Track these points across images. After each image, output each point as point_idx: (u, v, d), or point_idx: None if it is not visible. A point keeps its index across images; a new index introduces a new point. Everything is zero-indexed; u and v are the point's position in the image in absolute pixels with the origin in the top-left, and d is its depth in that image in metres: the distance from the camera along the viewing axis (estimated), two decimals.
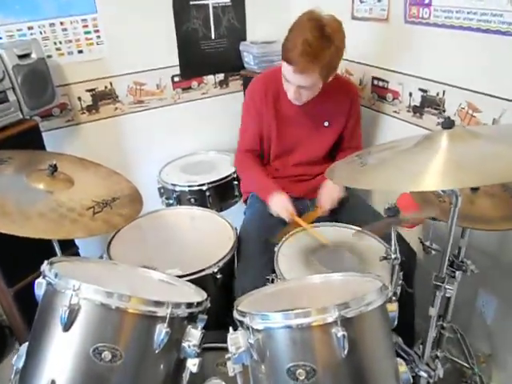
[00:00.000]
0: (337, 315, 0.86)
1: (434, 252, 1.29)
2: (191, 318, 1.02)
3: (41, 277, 1.00)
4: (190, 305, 1.00)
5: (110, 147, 2.10)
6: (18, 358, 0.99)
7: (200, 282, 1.42)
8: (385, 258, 1.20)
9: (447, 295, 1.08)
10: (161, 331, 0.92)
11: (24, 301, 1.76)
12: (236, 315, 1.01)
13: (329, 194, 1.68)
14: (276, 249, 1.54)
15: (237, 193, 2.11)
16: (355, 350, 0.88)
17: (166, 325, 0.92)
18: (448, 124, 0.93)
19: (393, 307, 0.98)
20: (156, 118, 2.18)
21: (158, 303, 0.93)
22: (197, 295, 1.16)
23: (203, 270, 1.44)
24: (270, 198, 1.68)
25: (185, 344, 0.98)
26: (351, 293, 1.10)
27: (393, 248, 1.18)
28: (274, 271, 1.48)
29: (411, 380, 1.01)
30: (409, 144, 1.00)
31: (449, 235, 1.05)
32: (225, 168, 2.12)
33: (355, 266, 1.43)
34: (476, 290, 1.72)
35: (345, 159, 1.14)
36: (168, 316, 0.93)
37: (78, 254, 1.93)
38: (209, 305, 1.12)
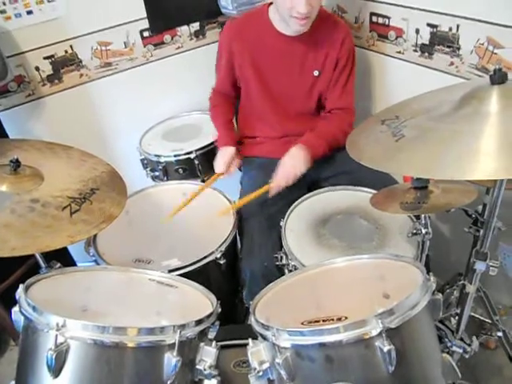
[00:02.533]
0: (381, 328, 0.72)
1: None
2: (203, 334, 0.88)
3: (16, 306, 0.83)
4: (199, 321, 0.85)
5: (80, 121, 1.85)
6: None
7: (202, 271, 1.28)
8: (414, 234, 1.05)
9: (491, 273, 0.95)
10: (170, 361, 0.78)
11: (11, 300, 1.60)
12: (255, 325, 0.87)
13: (286, 169, 1.44)
14: (282, 223, 1.39)
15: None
16: (403, 361, 0.75)
17: (175, 353, 0.77)
18: (500, 77, 0.74)
19: (438, 297, 0.84)
20: (128, 80, 1.92)
21: (163, 330, 0.78)
22: (203, 299, 1.00)
23: (204, 257, 1.29)
24: (218, 152, 1.61)
25: (200, 367, 0.84)
26: (384, 282, 0.97)
27: (423, 221, 1.03)
28: (282, 247, 1.33)
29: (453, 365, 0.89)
30: (447, 102, 0.81)
31: (493, 206, 0.90)
32: (211, 130, 1.89)
33: (372, 236, 1.29)
34: (496, 243, 1.61)
35: (366, 125, 0.94)
36: (177, 342, 0.78)
37: (67, 253, 1.75)
38: (219, 309, 0.98)
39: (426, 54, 1.54)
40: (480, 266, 0.96)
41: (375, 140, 0.83)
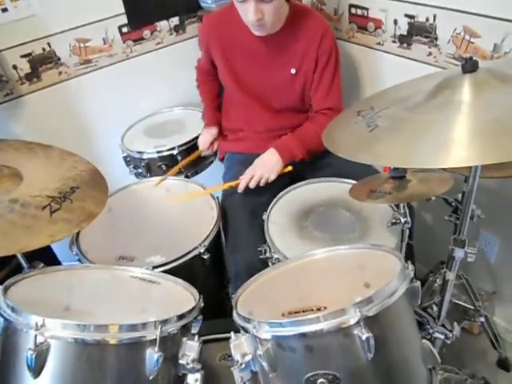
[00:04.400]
0: (359, 316, 0.73)
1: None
2: (185, 328, 0.88)
3: None
4: (181, 316, 0.85)
5: (60, 119, 1.83)
6: None
7: (186, 267, 1.28)
8: (394, 224, 1.06)
9: (469, 259, 0.96)
10: (152, 356, 0.77)
11: None
12: (237, 319, 0.87)
13: (256, 172, 1.46)
14: (265, 216, 1.39)
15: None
16: (382, 348, 0.76)
17: (156, 348, 0.78)
18: (471, 66, 0.75)
19: (416, 285, 0.85)
20: (108, 77, 1.90)
21: (144, 326, 0.78)
22: (186, 294, 1.01)
23: (188, 253, 1.29)
24: (203, 130, 1.77)
25: (183, 361, 0.84)
26: (364, 271, 0.98)
27: (402, 211, 1.04)
28: (265, 241, 1.34)
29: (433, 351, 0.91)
30: (421, 92, 0.81)
31: (469, 194, 0.91)
32: (194, 126, 1.89)
33: (354, 226, 1.30)
34: (477, 230, 1.63)
35: (343, 117, 0.95)
36: (158, 338, 0.78)
37: (51, 253, 1.73)
38: (202, 304, 0.98)
39: (405, 44, 1.55)
40: (458, 254, 0.98)
41: (351, 132, 0.83)
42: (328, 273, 1.01)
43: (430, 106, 0.77)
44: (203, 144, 1.74)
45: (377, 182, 1.09)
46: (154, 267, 1.21)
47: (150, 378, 0.79)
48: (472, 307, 1.59)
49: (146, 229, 1.42)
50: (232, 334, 0.87)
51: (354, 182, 1.41)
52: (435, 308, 1.20)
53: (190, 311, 0.88)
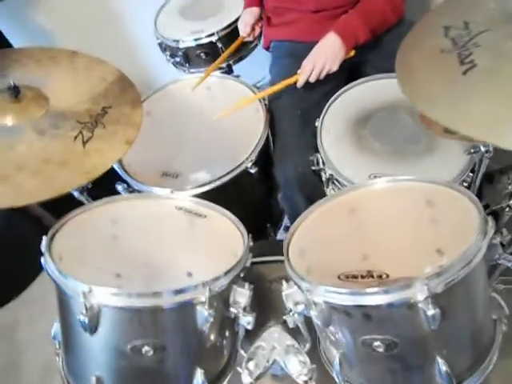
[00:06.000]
0: (426, 294, 0.65)
1: None
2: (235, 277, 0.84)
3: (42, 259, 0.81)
4: (229, 271, 0.80)
5: (83, 3, 1.62)
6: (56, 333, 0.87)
7: (232, 183, 1.21)
8: (472, 153, 0.90)
9: None
10: (202, 314, 0.75)
11: None
12: (289, 270, 0.82)
13: (317, 61, 1.24)
14: (318, 123, 1.24)
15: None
16: (448, 319, 0.69)
17: (207, 306, 0.75)
18: None
19: (495, 243, 0.74)
20: None
21: (193, 288, 0.74)
22: (234, 231, 0.95)
23: (235, 168, 1.20)
24: (242, 13, 1.55)
25: (233, 309, 0.83)
26: (433, 210, 0.86)
27: None
28: (317, 149, 1.22)
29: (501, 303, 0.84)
30: None
31: None
32: (234, 3, 1.64)
33: (419, 136, 1.14)
34: None
35: (423, 31, 0.70)
36: (207, 300, 0.74)
37: None
38: (251, 243, 0.93)
39: None
40: None
41: (435, 68, 0.60)
42: (390, 210, 0.90)
43: None
44: (244, 28, 1.52)
45: None
46: (199, 186, 1.15)
47: (203, 329, 0.78)
48: None
49: (188, 137, 1.33)
50: (284, 282, 0.83)
51: None
52: (505, 232, 1.09)
53: (238, 263, 0.83)
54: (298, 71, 1.27)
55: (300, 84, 1.27)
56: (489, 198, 1.30)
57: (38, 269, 0.81)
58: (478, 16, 0.62)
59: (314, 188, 1.25)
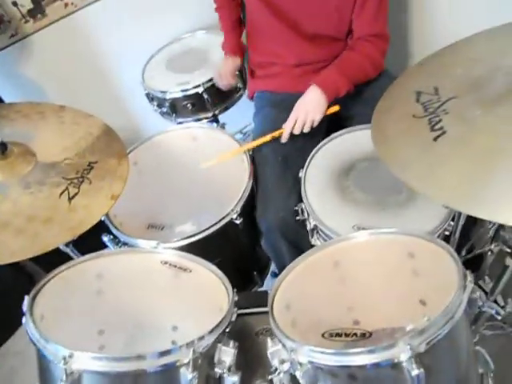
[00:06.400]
0: (409, 354, 0.65)
1: None
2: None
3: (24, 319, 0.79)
4: (214, 329, 0.80)
5: (73, 57, 1.67)
6: None
7: (218, 234, 1.21)
8: (448, 207, 0.92)
9: None
10: (186, 377, 0.74)
11: None
12: (274, 328, 0.81)
13: (300, 116, 1.28)
14: (301, 173, 1.26)
15: (240, 84, 1.72)
16: (434, 376, 0.69)
17: (190, 369, 0.74)
18: None
19: (475, 297, 0.75)
20: (119, 4, 1.68)
21: (177, 350, 0.73)
22: (219, 286, 0.94)
23: (220, 220, 1.21)
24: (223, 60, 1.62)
25: (218, 369, 0.81)
26: (414, 261, 0.88)
27: None
28: (299, 195, 1.23)
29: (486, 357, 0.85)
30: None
31: None
32: (219, 55, 1.70)
33: (401, 185, 1.16)
34: None
35: (396, 94, 0.74)
36: (191, 361, 0.73)
37: None
38: (236, 298, 0.92)
39: None
40: None
41: (408, 133, 0.63)
42: (373, 262, 0.91)
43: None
44: (225, 77, 1.59)
45: None
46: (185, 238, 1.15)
47: None
48: None
49: (174, 188, 1.34)
50: (269, 340, 0.82)
51: None
52: (487, 279, 1.10)
53: (223, 319, 0.83)
54: (283, 125, 1.30)
55: (284, 138, 1.30)
56: (475, 239, 1.32)
57: (19, 321, 0.80)
58: (447, 82, 0.65)
59: (296, 232, 1.25)
